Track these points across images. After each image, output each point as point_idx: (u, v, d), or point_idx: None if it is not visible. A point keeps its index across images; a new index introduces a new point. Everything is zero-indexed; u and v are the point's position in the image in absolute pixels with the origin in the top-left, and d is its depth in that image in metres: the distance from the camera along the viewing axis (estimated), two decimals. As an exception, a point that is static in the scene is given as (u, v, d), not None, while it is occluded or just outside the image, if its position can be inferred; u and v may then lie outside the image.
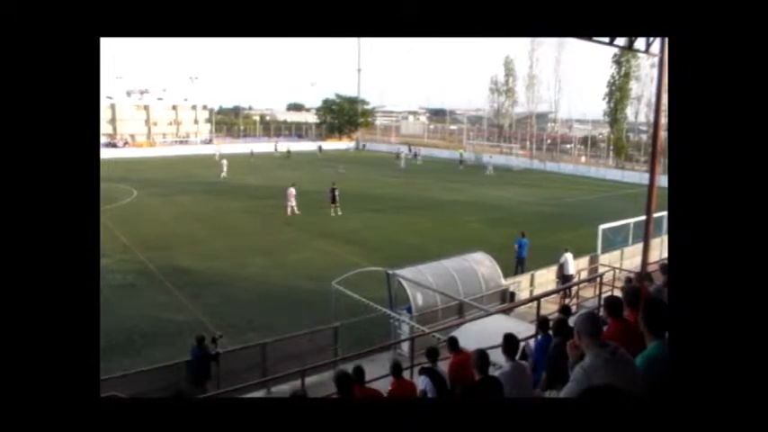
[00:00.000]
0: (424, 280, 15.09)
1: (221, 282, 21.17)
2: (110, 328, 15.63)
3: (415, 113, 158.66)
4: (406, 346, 13.88)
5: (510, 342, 6.78)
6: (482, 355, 6.28)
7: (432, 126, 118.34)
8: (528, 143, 76.89)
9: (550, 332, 7.67)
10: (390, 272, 15.19)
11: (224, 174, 51.44)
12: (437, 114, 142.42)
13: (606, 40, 14.81)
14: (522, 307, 15.46)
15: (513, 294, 17.45)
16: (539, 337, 8.67)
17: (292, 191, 34.21)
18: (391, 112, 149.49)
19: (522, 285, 18.93)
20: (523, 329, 10.05)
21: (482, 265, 17.11)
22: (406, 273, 15.16)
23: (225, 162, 53.71)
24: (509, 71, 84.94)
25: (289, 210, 33.98)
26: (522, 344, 7.70)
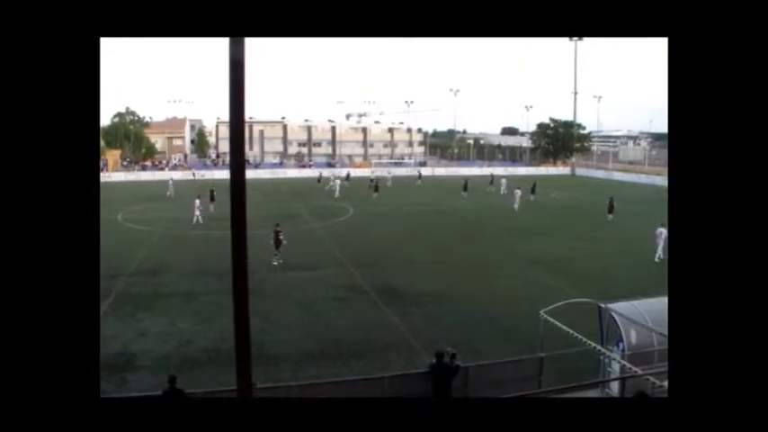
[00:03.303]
0: (639, 316, 14.05)
1: (430, 302, 21.50)
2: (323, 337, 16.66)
3: (635, 138, 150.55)
4: (615, 386, 13.01)
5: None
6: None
7: (654, 152, 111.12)
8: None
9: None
10: (603, 305, 14.38)
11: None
12: (660, 139, 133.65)
13: None
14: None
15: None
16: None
17: None
18: (609, 137, 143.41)
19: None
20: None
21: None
22: (619, 307, 14.24)
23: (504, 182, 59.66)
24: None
25: None
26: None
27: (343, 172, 73.56)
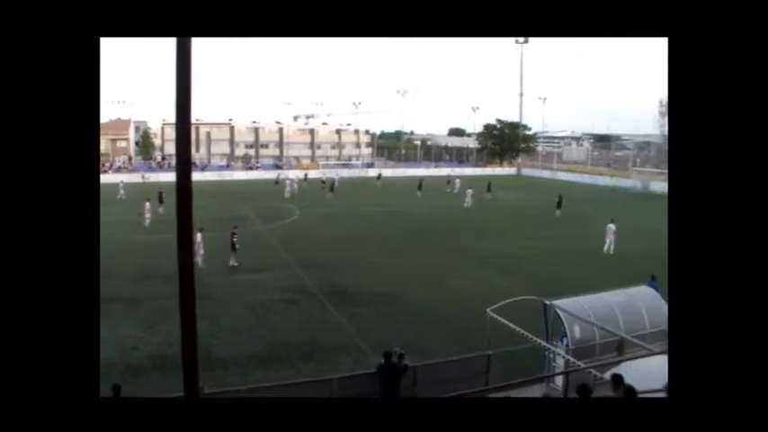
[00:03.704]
0: (582, 312, 14.43)
1: (378, 302, 21.57)
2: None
3: (578, 139, 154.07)
4: (559, 380, 13.37)
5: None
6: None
7: (596, 152, 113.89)
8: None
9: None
10: (548, 302, 14.70)
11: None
12: (602, 140, 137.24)
13: None
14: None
15: (681, 334, 16.16)
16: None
17: None
18: (553, 137, 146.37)
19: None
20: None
21: (646, 301, 16.05)
22: (564, 303, 14.59)
23: (458, 181, 62.21)
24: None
25: None
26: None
27: (300, 174, 73.51)
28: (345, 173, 79.85)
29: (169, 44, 6.01)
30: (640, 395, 7.02)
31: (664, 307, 16.08)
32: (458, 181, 62.82)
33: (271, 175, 76.22)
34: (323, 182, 64.14)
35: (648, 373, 9.03)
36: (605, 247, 30.58)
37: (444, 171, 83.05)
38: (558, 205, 44.76)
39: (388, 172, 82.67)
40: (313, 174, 75.99)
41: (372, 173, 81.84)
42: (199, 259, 25.64)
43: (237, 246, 26.94)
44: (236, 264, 26.68)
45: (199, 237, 25.96)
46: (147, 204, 37.77)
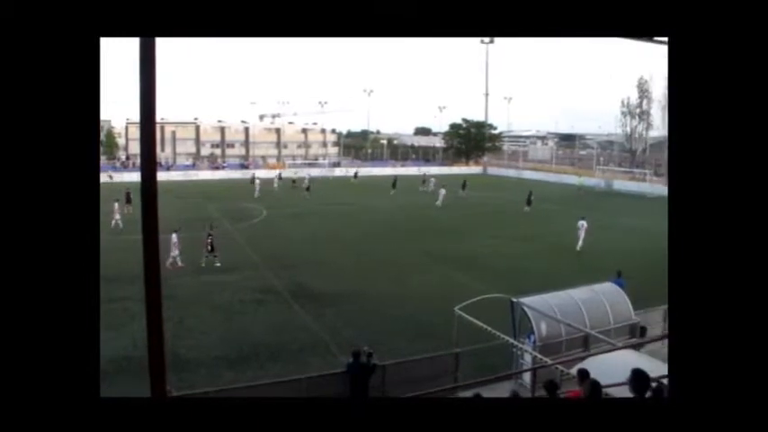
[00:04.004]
0: (549, 309, 14.62)
1: (345, 302, 21.55)
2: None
3: (543, 138, 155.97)
4: (527, 377, 13.55)
5: (639, 378, 6.37)
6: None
7: (560, 151, 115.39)
8: (664, 169, 73.00)
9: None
10: (515, 300, 14.86)
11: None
12: (566, 140, 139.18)
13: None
14: (657, 344, 14.53)
15: (644, 329, 16.50)
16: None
17: None
18: (519, 137, 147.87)
19: (654, 319, 17.82)
20: (655, 368, 9.42)
21: (610, 297, 16.32)
22: (531, 301, 14.77)
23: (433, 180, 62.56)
24: (643, 93, 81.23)
25: None
26: (654, 384, 7.22)
27: (275, 173, 72.96)
28: (315, 172, 79.48)
29: (132, 42, 5.92)
30: (605, 389, 7.13)
31: (627, 303, 16.41)
32: (432, 180, 63.39)
33: (237, 174, 75.68)
34: (294, 181, 64.48)
35: (613, 367, 9.20)
36: (578, 245, 31.15)
37: (412, 170, 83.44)
38: (528, 202, 46.06)
39: (353, 171, 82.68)
40: (285, 173, 75.54)
41: (339, 172, 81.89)
42: (170, 260, 25.37)
43: (209, 247, 26.82)
44: (218, 264, 26.59)
45: (174, 237, 25.89)
46: (116, 205, 37.10)
